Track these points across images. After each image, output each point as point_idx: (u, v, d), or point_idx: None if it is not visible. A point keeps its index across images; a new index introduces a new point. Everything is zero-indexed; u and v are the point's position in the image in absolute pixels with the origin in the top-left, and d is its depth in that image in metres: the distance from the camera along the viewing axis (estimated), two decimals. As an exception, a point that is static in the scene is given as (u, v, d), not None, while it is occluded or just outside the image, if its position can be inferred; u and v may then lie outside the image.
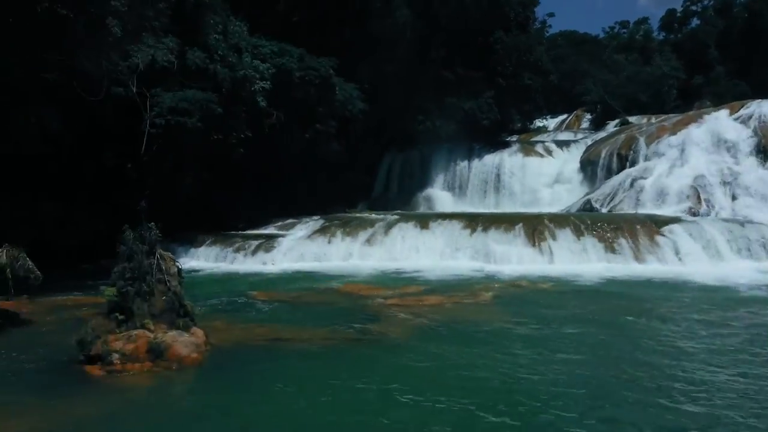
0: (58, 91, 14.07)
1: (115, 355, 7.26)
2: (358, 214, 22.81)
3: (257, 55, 22.32)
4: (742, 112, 23.95)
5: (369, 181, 28.79)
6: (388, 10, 30.36)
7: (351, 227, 19.05)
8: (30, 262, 10.04)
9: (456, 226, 18.32)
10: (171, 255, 9.17)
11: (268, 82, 21.30)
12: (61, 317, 10.62)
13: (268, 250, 17.84)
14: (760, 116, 22.74)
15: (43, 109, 13.93)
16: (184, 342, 7.67)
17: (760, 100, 26.33)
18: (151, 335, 7.56)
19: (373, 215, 21.37)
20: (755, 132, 21.94)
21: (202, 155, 19.06)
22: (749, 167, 20.51)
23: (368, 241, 18.19)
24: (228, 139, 19.71)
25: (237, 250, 17.89)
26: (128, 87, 16.05)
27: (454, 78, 30.87)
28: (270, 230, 20.49)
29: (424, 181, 28.38)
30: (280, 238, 18.70)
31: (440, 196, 27.38)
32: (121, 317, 7.76)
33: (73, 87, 13.91)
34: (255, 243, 18.29)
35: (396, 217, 19.95)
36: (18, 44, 12.71)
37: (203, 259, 17.89)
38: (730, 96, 35.97)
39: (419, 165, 29.11)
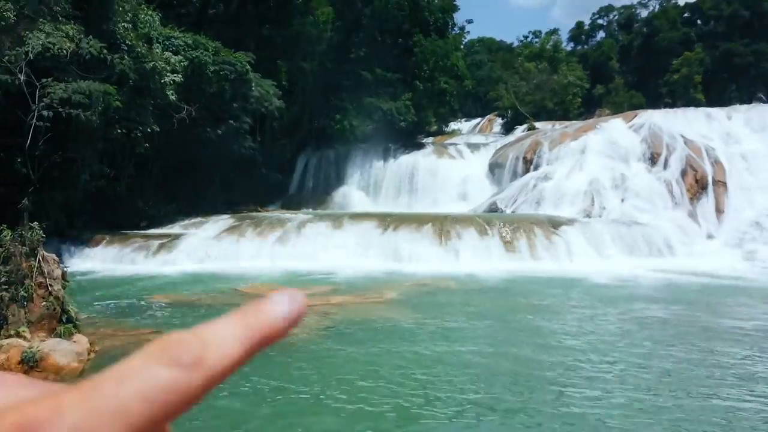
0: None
1: (-18, 366, 6.79)
2: (270, 213, 22.53)
3: (169, 46, 21.52)
4: (635, 121, 25.96)
5: (284, 179, 28.51)
6: (309, 7, 30.21)
7: (262, 226, 18.77)
8: None
9: (368, 225, 18.57)
10: (54, 257, 8.70)
11: (180, 75, 20.59)
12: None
13: (171, 249, 17.19)
14: (650, 126, 24.72)
15: None
16: (63, 351, 7.30)
17: (651, 110, 28.71)
18: (26, 344, 7.15)
19: (286, 214, 21.21)
20: (645, 140, 23.83)
21: (102, 149, 18.11)
22: (638, 172, 22.26)
23: (279, 240, 18.04)
24: (132, 133, 18.86)
25: (137, 251, 17.04)
26: (16, 75, 14.98)
27: (372, 79, 31.21)
28: (175, 229, 19.68)
29: (340, 181, 28.53)
30: (185, 237, 18.04)
31: (355, 196, 27.61)
32: (-8, 325, 7.30)
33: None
34: (157, 243, 17.52)
35: (309, 216, 19.92)
36: None
37: (99, 260, 16.85)
38: (626, 106, 38.91)
39: (335, 164, 29.22)
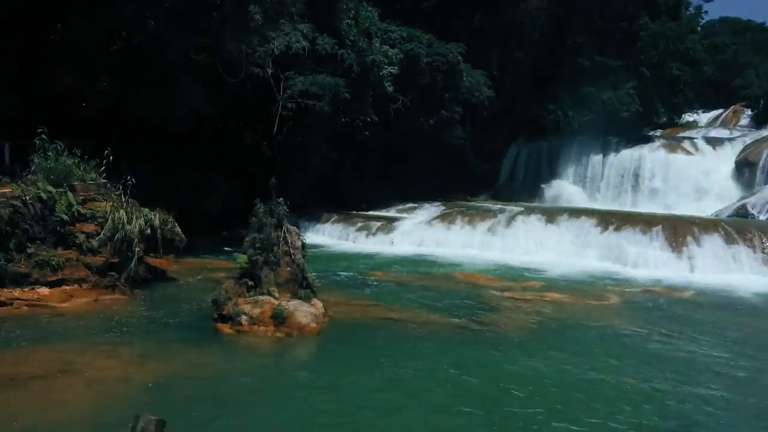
0: (204, 72, 15.22)
1: (244, 317, 7.79)
2: (479, 203, 22.39)
3: (386, 40, 22.58)
4: None
5: (492, 170, 28.04)
6: (521, -4, 29.13)
7: (471, 216, 18.70)
8: (176, 226, 11.06)
9: (585, 222, 17.22)
10: (296, 229, 9.56)
11: (396, 68, 21.51)
12: (200, 278, 11.69)
13: (388, 231, 18.18)
14: None
15: (192, 89, 15.15)
16: (304, 312, 7.95)
17: None
18: (276, 302, 7.95)
19: (496, 205, 20.82)
20: None
21: (330, 137, 19.73)
22: None
23: (489, 230, 17.71)
24: (354, 122, 20.21)
25: (359, 230, 18.45)
26: (265, 69, 16.96)
27: (591, 66, 28.96)
28: (391, 213, 20.83)
29: (552, 174, 26.99)
30: (400, 221, 18.95)
31: (569, 190, 25.88)
32: (250, 283, 8.27)
33: (216, 68, 14.99)
34: (377, 224, 18.72)
35: (520, 208, 19.20)
36: (171, 26, 13.90)
37: (327, 236, 18.61)
38: None
39: (547, 156, 27.73)
